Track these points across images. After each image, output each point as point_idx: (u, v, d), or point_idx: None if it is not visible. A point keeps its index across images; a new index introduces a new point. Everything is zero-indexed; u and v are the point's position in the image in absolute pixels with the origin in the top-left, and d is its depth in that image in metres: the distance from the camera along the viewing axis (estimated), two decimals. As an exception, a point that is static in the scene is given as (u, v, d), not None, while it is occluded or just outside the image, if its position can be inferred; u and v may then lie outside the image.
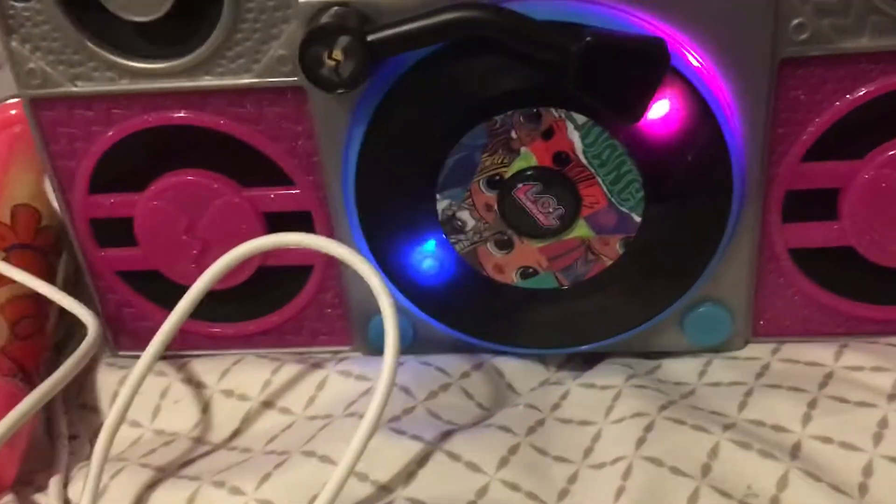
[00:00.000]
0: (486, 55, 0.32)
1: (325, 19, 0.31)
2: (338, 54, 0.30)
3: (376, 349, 0.38)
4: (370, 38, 0.30)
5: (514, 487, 0.31)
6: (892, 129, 0.33)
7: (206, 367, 0.39)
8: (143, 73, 0.34)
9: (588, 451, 0.33)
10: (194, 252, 0.37)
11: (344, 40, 0.30)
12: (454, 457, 0.32)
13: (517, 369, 0.38)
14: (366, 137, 0.33)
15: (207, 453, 0.35)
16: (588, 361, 0.39)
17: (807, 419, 0.33)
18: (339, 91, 0.31)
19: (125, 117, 0.35)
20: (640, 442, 0.32)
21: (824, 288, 0.37)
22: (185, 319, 0.35)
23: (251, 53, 0.33)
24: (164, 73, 0.34)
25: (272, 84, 0.34)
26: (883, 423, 0.32)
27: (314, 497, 0.30)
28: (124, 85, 0.34)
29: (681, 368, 0.37)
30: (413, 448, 0.32)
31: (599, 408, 0.35)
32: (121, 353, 0.41)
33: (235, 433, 0.36)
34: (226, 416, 0.37)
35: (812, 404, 0.33)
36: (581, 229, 0.35)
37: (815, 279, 0.37)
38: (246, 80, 0.34)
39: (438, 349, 0.39)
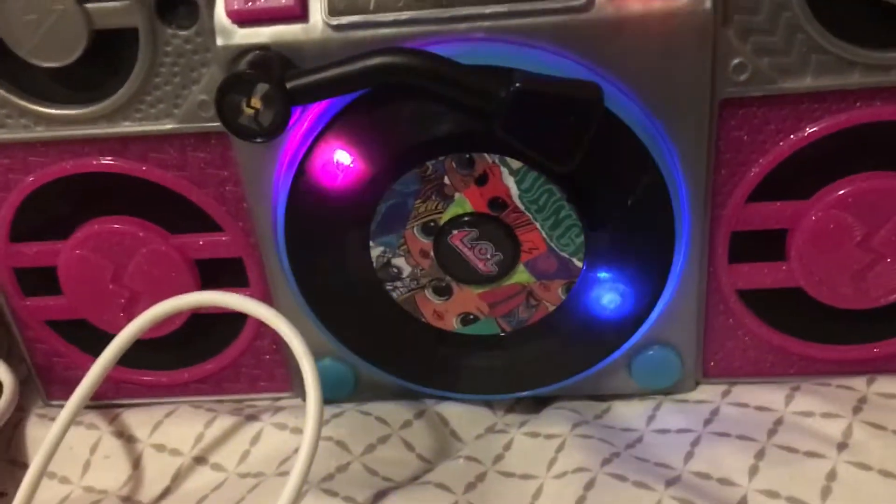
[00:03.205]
0: (414, 100, 0.30)
1: (242, 66, 0.29)
2: (256, 102, 0.29)
3: (317, 396, 0.37)
4: (290, 85, 0.29)
5: (448, 552, 0.30)
6: (839, 169, 0.32)
7: (139, 419, 0.37)
8: (59, 120, 0.33)
9: (528, 509, 0.32)
10: (122, 301, 0.36)
11: (262, 88, 0.29)
12: (387, 520, 0.31)
13: (462, 415, 0.37)
14: (293, 185, 0.32)
15: (134, 515, 0.34)
16: (538, 402, 0.38)
17: (754, 471, 0.32)
18: (259, 140, 0.30)
19: (43, 164, 0.34)
20: (580, 501, 0.31)
21: (774, 328, 0.36)
22: (110, 370, 0.33)
23: (171, 98, 0.32)
24: (81, 120, 0.33)
25: (195, 129, 0.33)
26: (831, 476, 0.31)
27: (237, 569, 0.28)
28: (40, 132, 0.33)
29: (630, 412, 0.36)
30: (344, 511, 0.31)
31: (542, 460, 0.33)
32: (52, 402, 0.40)
33: (165, 492, 0.35)
34: (156, 472, 0.35)
35: (760, 455, 0.32)
36: (521, 275, 0.34)
37: (764, 320, 0.35)
38: (167, 126, 0.33)
39: (382, 396, 0.38)
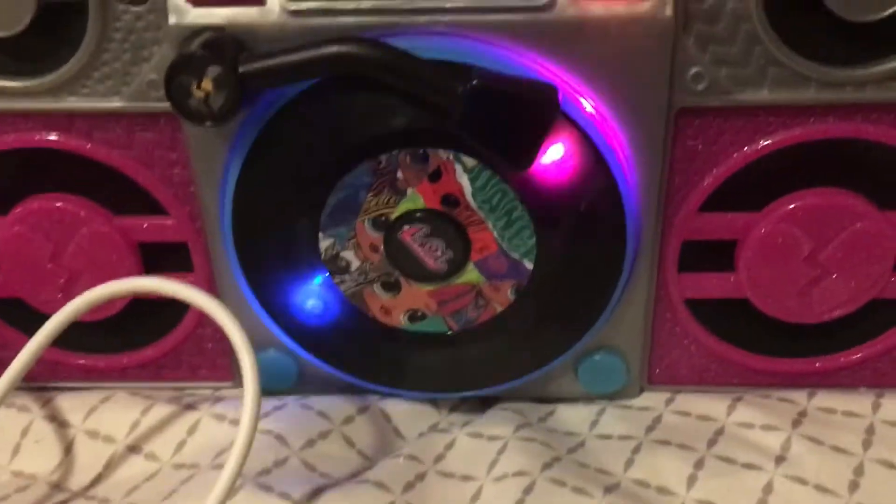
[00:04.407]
0: (369, 91, 0.30)
1: (195, 46, 0.29)
2: (207, 85, 0.28)
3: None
4: (242, 69, 0.28)
5: (381, 552, 0.29)
6: (791, 183, 0.32)
7: (73, 404, 0.36)
8: (3, 92, 0.32)
9: (466, 511, 0.31)
10: (61, 281, 0.35)
11: (214, 70, 0.28)
12: (323, 517, 0.30)
13: (406, 412, 0.37)
14: (243, 171, 0.31)
15: (63, 502, 0.33)
16: (483, 402, 0.37)
17: (692, 481, 0.32)
18: (209, 124, 0.29)
19: (-17, 137, 0.33)
20: (519, 505, 0.31)
21: (720, 339, 0.36)
22: (43, 352, 0.32)
23: (120, 75, 0.31)
24: (25, 92, 0.32)
25: (143, 109, 0.32)
26: (768, 489, 0.31)
27: (164, 562, 0.28)
28: (-18, 103, 0.32)
29: (573, 416, 0.36)
30: (279, 507, 0.30)
31: (483, 462, 0.33)
32: (-17, 383, 0.38)
33: (96, 479, 0.34)
34: (88, 459, 0.34)
35: (699, 464, 0.32)
36: (471, 274, 0.33)
37: (710, 330, 0.36)
38: (115, 104, 0.32)
39: (325, 390, 0.37)
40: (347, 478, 0.32)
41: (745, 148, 0.32)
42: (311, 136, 0.31)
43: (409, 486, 0.32)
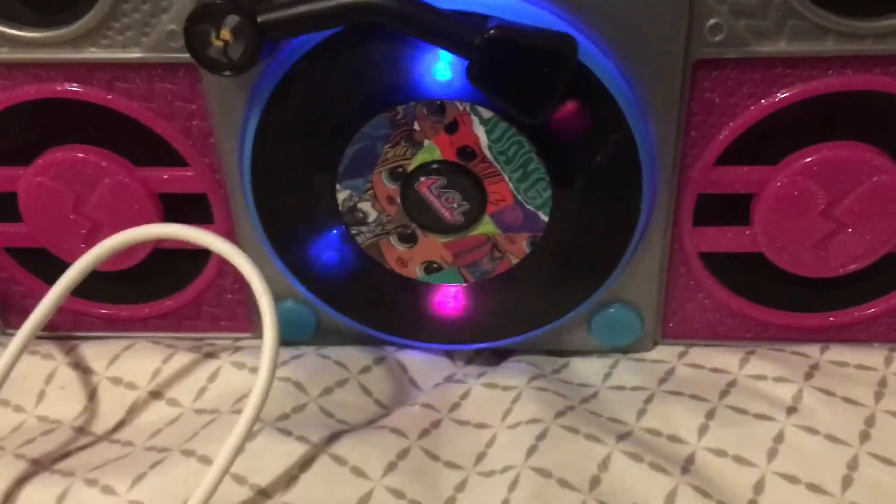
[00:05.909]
0: (387, 42, 0.30)
1: (214, -5, 0.29)
2: (226, 34, 0.29)
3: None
4: (261, 18, 0.28)
5: (398, 494, 0.30)
6: (807, 136, 0.32)
7: (96, 352, 0.37)
8: (25, 42, 0.32)
9: (480, 457, 0.32)
10: (83, 231, 0.35)
11: (233, 20, 0.28)
12: (340, 461, 0.31)
13: (422, 364, 0.37)
14: (261, 122, 0.32)
15: (87, 446, 0.34)
16: (498, 355, 0.38)
17: (703, 430, 0.32)
18: (228, 73, 0.29)
19: (6, 88, 0.33)
20: (532, 451, 0.31)
21: (734, 292, 0.36)
22: (65, 300, 0.33)
23: (139, 26, 0.31)
24: (46, 43, 0.32)
25: (163, 59, 0.32)
26: (779, 438, 0.31)
27: (186, 500, 0.28)
28: (4, 54, 0.32)
29: (587, 369, 0.37)
30: (297, 450, 0.31)
31: (497, 410, 0.34)
32: (9, 331, 0.39)
33: (120, 424, 0.35)
34: (112, 404, 0.35)
35: (710, 414, 0.33)
36: (487, 226, 0.34)
37: (724, 283, 0.36)
38: (135, 55, 0.32)
39: (343, 341, 0.38)
40: (364, 424, 0.33)
41: (763, 100, 0.32)
42: (330, 87, 0.31)
43: (424, 433, 0.33)
